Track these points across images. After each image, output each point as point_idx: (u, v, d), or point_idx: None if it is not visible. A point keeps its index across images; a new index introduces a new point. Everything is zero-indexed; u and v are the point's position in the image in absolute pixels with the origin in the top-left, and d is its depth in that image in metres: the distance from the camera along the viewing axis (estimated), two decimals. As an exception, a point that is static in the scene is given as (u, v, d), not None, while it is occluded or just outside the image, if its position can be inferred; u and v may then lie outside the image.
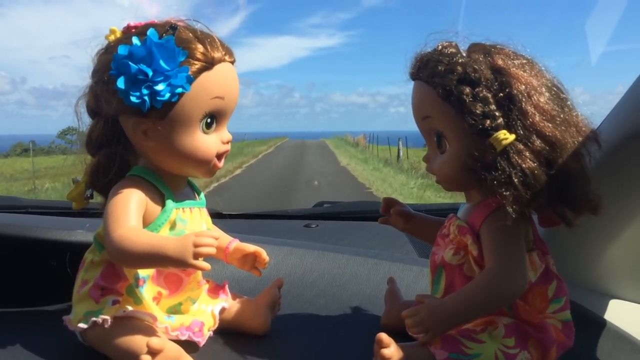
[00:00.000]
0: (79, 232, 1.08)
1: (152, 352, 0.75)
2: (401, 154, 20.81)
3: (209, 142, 0.84)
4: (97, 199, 0.90)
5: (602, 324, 1.00)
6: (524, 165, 0.72)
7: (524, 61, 0.78)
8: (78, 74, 0.87)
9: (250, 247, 0.97)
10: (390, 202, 1.01)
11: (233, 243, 0.98)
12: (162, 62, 0.76)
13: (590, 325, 0.98)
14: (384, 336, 0.76)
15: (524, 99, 0.74)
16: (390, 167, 17.31)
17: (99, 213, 0.85)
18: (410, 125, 0.89)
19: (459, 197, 0.91)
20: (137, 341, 0.78)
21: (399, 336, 0.81)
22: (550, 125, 0.74)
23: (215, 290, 0.99)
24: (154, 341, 0.75)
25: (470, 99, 0.75)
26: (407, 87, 0.85)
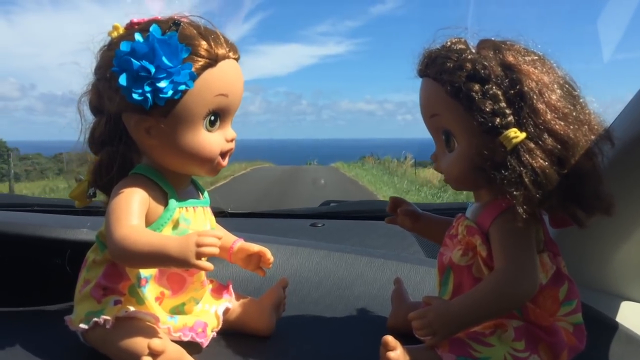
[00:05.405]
0: (82, 230, 1.07)
1: (154, 354, 0.73)
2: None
3: (212, 140, 0.83)
4: (100, 197, 0.89)
5: (613, 326, 0.98)
6: (534, 164, 0.70)
7: (535, 57, 0.77)
8: (87, 81, 0.87)
9: (255, 247, 0.96)
10: (397, 202, 0.99)
11: (237, 243, 0.96)
12: (164, 59, 0.75)
13: (601, 328, 0.96)
14: (390, 339, 0.75)
15: (535, 96, 0.72)
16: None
17: (103, 211, 0.84)
18: (417, 133, 0.86)
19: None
20: (139, 342, 0.77)
21: (406, 338, 0.79)
22: (562, 123, 0.72)
23: (219, 290, 0.97)
24: (156, 342, 0.74)
25: (480, 96, 0.73)
26: (415, 96, 0.83)
